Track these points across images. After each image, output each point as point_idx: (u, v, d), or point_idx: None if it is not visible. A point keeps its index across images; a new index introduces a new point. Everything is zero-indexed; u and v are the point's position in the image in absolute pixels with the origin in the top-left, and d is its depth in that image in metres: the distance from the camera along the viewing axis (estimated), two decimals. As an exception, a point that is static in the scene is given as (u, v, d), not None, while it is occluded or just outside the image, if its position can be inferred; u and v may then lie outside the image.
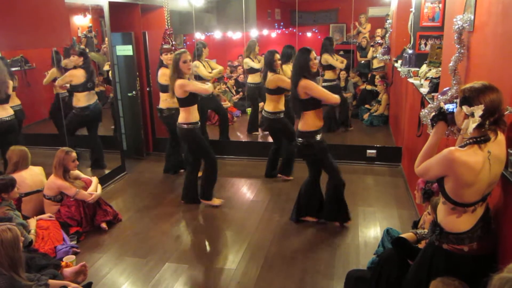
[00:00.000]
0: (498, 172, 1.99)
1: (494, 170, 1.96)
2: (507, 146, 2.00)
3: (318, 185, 4.09)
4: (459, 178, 1.93)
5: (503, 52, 2.26)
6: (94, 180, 4.28)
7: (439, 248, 2.14)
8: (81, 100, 5.08)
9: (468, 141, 1.96)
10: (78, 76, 5.01)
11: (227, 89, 8.45)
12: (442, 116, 2.13)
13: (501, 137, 1.97)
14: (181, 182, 5.38)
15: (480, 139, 1.92)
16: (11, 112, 4.50)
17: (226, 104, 7.88)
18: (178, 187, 5.23)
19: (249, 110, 8.28)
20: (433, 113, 2.19)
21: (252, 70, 6.56)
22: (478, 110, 1.87)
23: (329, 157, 3.94)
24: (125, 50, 5.96)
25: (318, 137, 3.83)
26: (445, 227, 2.09)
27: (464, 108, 1.92)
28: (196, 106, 4.33)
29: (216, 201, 4.60)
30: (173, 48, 5.14)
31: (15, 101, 4.76)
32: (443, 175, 2.02)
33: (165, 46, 5.16)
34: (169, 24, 6.03)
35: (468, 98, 1.92)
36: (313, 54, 3.77)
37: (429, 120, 2.80)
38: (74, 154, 4.06)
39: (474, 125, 1.89)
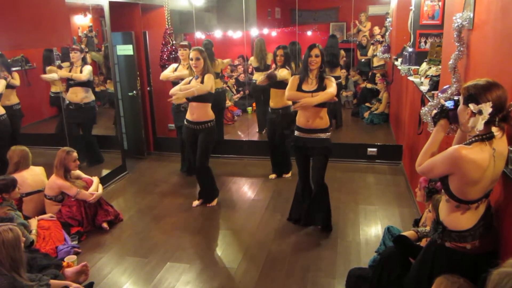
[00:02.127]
0: (501, 168, 1.99)
1: (498, 167, 1.96)
2: (508, 143, 2.00)
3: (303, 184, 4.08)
4: (465, 176, 1.92)
5: (503, 50, 2.26)
6: (95, 180, 4.29)
7: (441, 246, 2.13)
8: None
9: (473, 139, 1.94)
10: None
11: (227, 88, 8.46)
12: (445, 114, 2.11)
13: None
14: (182, 181, 5.41)
15: (485, 136, 1.91)
16: (1, 111, 4.45)
17: (227, 103, 7.88)
18: (179, 186, 5.25)
19: (249, 109, 8.31)
20: (435, 111, 2.17)
21: (258, 69, 6.56)
22: (487, 107, 1.85)
23: (297, 158, 3.97)
24: (125, 49, 5.96)
25: (296, 133, 3.86)
26: (448, 225, 2.09)
27: (471, 105, 1.89)
28: (190, 104, 4.30)
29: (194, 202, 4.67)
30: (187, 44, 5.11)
31: (15, 100, 4.78)
32: (448, 173, 2.01)
33: (182, 43, 5.17)
34: (169, 23, 6.04)
35: (474, 95, 1.89)
36: (315, 50, 3.67)
37: (429, 118, 2.80)
38: (74, 154, 4.07)
39: (483, 122, 1.86)
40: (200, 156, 4.40)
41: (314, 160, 3.87)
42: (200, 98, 4.19)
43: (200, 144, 4.36)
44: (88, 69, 5.20)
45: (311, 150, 3.81)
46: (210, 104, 4.33)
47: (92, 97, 5.38)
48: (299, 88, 3.74)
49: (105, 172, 5.37)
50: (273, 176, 5.39)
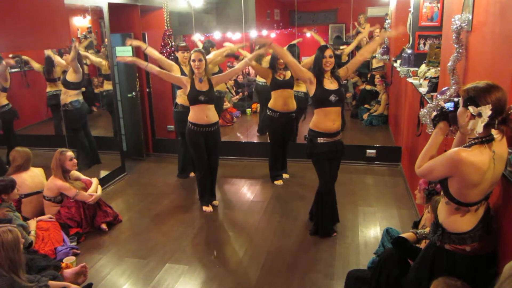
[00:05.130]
0: (501, 171, 1.99)
1: (498, 169, 1.95)
2: (508, 145, 2.00)
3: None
4: (465, 178, 1.92)
5: (501, 51, 2.27)
6: (94, 181, 4.28)
7: (441, 248, 2.13)
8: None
9: (473, 141, 1.94)
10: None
11: (227, 90, 8.47)
12: (444, 116, 2.11)
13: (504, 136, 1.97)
14: (181, 183, 5.41)
15: (485, 139, 1.91)
16: None
17: (226, 105, 7.88)
18: (178, 188, 5.25)
19: (248, 110, 8.32)
20: (435, 113, 2.17)
21: None
22: (486, 110, 1.84)
23: (323, 166, 3.79)
24: (124, 51, 5.95)
25: (321, 139, 3.71)
26: (448, 227, 2.09)
27: (471, 108, 1.88)
28: (203, 106, 4.26)
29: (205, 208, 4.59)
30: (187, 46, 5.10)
31: (2, 101, 4.79)
32: (448, 176, 2.00)
33: (181, 44, 5.16)
34: (168, 25, 6.04)
35: (474, 98, 1.88)
36: (328, 51, 3.63)
37: (428, 120, 2.81)
38: (69, 153, 4.05)
39: (482, 125, 1.86)
40: (217, 154, 4.56)
41: (334, 163, 3.87)
42: (213, 100, 4.29)
43: (217, 143, 4.47)
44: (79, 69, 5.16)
45: (335, 153, 3.80)
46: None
47: (74, 97, 5.25)
48: (322, 86, 3.65)
49: (104, 173, 5.37)
50: (280, 181, 5.26)
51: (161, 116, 6.54)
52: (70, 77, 5.10)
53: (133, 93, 6.09)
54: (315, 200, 3.98)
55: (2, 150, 4.70)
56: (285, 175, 5.39)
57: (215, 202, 4.64)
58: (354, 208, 4.44)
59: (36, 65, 5.20)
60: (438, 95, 3.04)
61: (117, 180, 5.49)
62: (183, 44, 5.17)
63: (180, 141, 5.44)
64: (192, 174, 5.55)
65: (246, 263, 3.52)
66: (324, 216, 3.85)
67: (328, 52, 3.63)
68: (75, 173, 4.21)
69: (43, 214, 3.98)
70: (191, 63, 4.17)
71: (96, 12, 5.51)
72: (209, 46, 6.13)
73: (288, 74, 4.94)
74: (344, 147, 3.88)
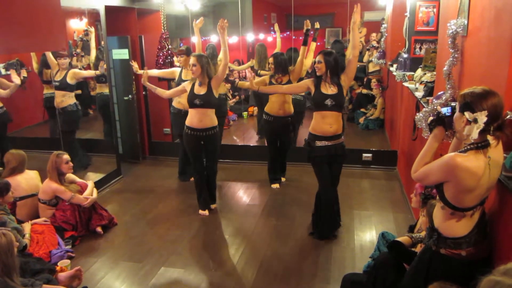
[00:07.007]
0: (497, 176, 1.99)
1: (493, 174, 1.96)
2: (503, 151, 2.01)
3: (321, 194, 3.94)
4: (460, 183, 1.92)
5: (496, 56, 2.28)
6: (90, 184, 4.26)
7: (436, 253, 2.13)
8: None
9: (468, 147, 1.94)
10: None
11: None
12: (441, 121, 2.11)
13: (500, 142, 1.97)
14: (177, 185, 5.39)
15: (481, 144, 1.92)
16: None
17: (223, 108, 7.87)
18: (174, 191, 5.24)
19: (245, 113, 8.31)
20: (431, 118, 2.17)
21: (259, 74, 6.51)
22: (482, 116, 1.85)
23: (321, 169, 3.81)
24: (121, 54, 5.96)
25: (319, 143, 3.74)
26: (443, 232, 2.09)
27: (467, 114, 1.89)
28: (197, 110, 4.26)
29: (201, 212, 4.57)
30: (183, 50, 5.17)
31: None
32: (443, 181, 2.01)
33: (180, 48, 5.25)
34: (165, 28, 6.04)
35: (470, 104, 1.89)
36: (317, 57, 3.70)
37: (424, 124, 2.82)
38: (65, 156, 4.03)
39: (478, 131, 1.86)
40: (214, 161, 4.54)
41: (335, 167, 3.89)
42: (210, 104, 4.24)
43: (213, 149, 4.45)
44: (73, 72, 5.22)
45: (335, 157, 3.81)
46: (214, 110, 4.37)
47: (70, 101, 5.27)
48: (318, 90, 3.72)
49: (99, 176, 5.34)
50: (277, 185, 5.25)
51: (158, 119, 6.53)
52: (70, 78, 5.15)
53: (130, 96, 6.08)
54: (315, 203, 4.00)
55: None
56: (282, 179, 5.39)
57: (212, 206, 4.64)
58: (350, 212, 4.44)
59: (35, 65, 5.21)
60: (434, 100, 3.05)
61: (113, 183, 5.47)
62: (181, 48, 5.22)
63: (180, 143, 5.45)
64: (192, 179, 5.53)
65: (242, 267, 3.51)
66: (323, 220, 3.87)
67: (317, 58, 3.73)
68: (70, 176, 4.19)
69: (38, 217, 3.95)
70: (190, 66, 4.22)
71: (93, 15, 5.50)
72: (212, 52, 6.13)
73: (286, 78, 4.93)
74: (345, 150, 3.88)
